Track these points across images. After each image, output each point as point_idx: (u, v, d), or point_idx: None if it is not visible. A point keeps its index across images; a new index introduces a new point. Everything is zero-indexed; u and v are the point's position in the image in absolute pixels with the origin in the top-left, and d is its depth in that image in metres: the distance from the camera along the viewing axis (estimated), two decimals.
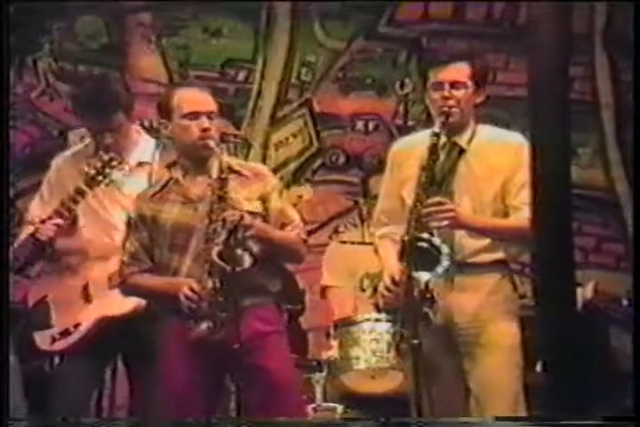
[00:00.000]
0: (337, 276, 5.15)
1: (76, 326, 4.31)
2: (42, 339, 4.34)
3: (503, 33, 6.10)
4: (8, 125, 3.75)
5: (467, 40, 6.08)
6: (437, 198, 3.82)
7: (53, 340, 4.33)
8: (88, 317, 4.31)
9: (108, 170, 4.21)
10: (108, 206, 4.35)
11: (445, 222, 3.81)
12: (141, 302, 4.17)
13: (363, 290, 5.08)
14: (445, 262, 3.74)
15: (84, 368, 4.29)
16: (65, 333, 4.32)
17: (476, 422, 3.58)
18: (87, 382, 4.32)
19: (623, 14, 5.91)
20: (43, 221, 4.28)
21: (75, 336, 4.30)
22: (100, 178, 4.21)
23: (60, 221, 4.25)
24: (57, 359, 4.52)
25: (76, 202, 4.25)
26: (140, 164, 4.35)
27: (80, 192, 4.24)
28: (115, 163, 4.20)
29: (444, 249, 3.75)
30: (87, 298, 4.35)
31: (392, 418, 3.48)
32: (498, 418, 3.50)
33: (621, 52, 5.94)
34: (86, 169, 4.22)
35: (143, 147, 4.41)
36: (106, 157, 4.20)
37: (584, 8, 5.98)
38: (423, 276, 3.75)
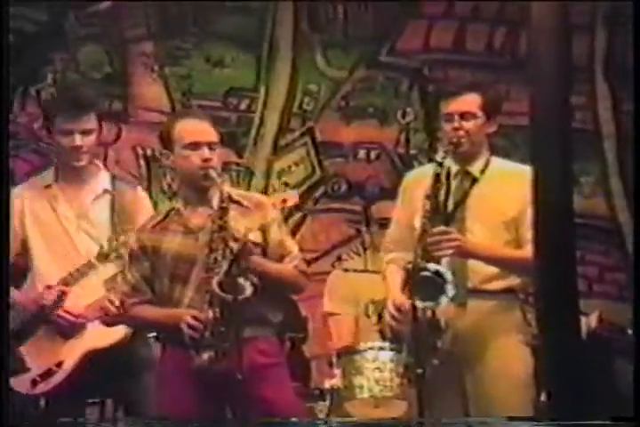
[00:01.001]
0: (338, 303, 5.15)
1: (59, 364, 4.18)
2: (20, 383, 4.16)
3: (504, 63, 6.13)
4: (8, 153, 3.74)
5: (468, 70, 6.11)
6: (442, 228, 3.82)
7: (34, 383, 4.18)
8: (71, 353, 4.18)
9: (119, 248, 4.16)
10: (73, 234, 4.27)
11: (450, 251, 3.81)
12: (128, 330, 4.14)
13: (368, 316, 5.07)
14: (450, 292, 3.74)
15: (74, 409, 4.20)
16: (46, 374, 4.18)
17: (480, 423, 3.56)
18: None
19: (623, 44, 5.94)
20: (49, 287, 4.21)
21: (59, 376, 4.16)
22: (113, 254, 4.17)
23: (65, 288, 4.19)
24: (42, 403, 4.29)
25: (84, 274, 4.21)
26: (105, 191, 4.31)
27: (91, 266, 4.20)
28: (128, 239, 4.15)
29: (449, 278, 3.75)
30: (66, 334, 4.21)
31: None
32: (500, 418, 3.49)
33: (622, 81, 5.96)
34: (102, 245, 4.19)
35: (104, 175, 4.37)
36: (122, 238, 4.17)
37: (584, 38, 6.01)
38: (428, 304, 3.75)
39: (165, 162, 3.97)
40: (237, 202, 3.91)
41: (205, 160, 3.84)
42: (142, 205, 4.32)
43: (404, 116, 6.16)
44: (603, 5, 6.01)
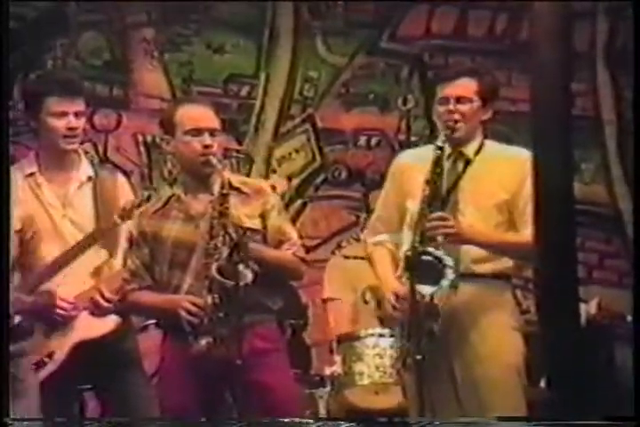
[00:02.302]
0: (337, 289, 5.15)
1: (50, 355, 4.12)
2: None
3: (505, 49, 6.11)
4: (8, 139, 3.71)
5: (469, 56, 6.10)
6: (440, 213, 3.83)
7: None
8: (62, 344, 4.12)
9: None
10: (58, 222, 4.21)
11: (447, 237, 3.82)
12: (118, 320, 4.11)
13: (365, 302, 5.07)
14: (450, 275, 3.74)
15: (64, 399, 4.17)
16: (38, 364, 4.12)
17: (477, 423, 3.57)
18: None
19: (625, 31, 5.93)
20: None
21: (50, 367, 4.11)
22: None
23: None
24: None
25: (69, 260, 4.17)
26: (89, 178, 4.27)
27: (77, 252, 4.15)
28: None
29: (449, 262, 3.75)
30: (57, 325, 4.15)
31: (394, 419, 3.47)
32: (499, 418, 3.50)
33: (623, 68, 5.95)
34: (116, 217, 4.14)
35: (86, 162, 4.33)
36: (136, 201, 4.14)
37: (586, 25, 6.00)
38: (428, 290, 3.75)
39: (166, 148, 3.97)
40: (237, 189, 3.91)
41: (206, 146, 3.84)
42: (124, 193, 4.30)
43: (404, 102, 6.15)
44: None
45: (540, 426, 2.89)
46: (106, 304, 4.06)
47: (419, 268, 3.76)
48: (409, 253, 3.79)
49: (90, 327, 4.12)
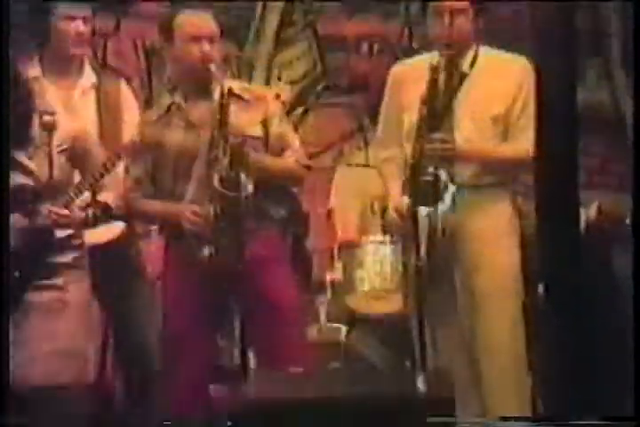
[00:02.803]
0: (343, 198, 5.15)
1: None
2: None
3: None
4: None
5: None
6: (439, 135, 3.83)
7: None
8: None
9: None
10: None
11: (446, 157, 3.83)
12: (122, 225, 4.14)
13: (373, 212, 5.09)
14: (449, 197, 3.77)
15: None
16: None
17: (479, 422, 3.61)
18: None
19: None
20: None
21: None
22: None
23: None
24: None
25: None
26: (93, 85, 4.26)
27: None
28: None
29: (448, 183, 3.78)
30: None
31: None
32: (502, 418, 3.54)
33: None
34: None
35: (89, 68, 4.32)
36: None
37: None
38: (427, 210, 3.78)
39: (165, 54, 3.94)
40: (238, 96, 3.88)
41: (205, 53, 3.80)
42: (127, 101, 4.27)
43: (407, 8, 6.07)
44: None
45: (541, 426, 2.91)
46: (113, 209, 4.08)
47: (419, 187, 3.77)
48: (410, 172, 3.81)
49: (99, 233, 4.13)
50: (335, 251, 4.86)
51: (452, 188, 3.79)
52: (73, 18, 4.14)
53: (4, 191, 3.62)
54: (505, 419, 3.46)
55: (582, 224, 4.54)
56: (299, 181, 4.07)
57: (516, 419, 3.42)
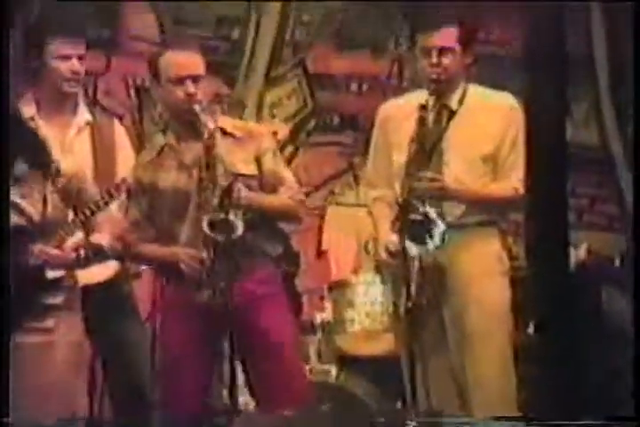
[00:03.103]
0: (337, 238, 5.15)
1: None
2: None
3: None
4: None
5: None
6: (429, 174, 3.83)
7: None
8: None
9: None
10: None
11: (436, 196, 3.84)
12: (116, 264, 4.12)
13: (367, 252, 5.09)
14: (439, 236, 3.77)
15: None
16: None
17: (474, 422, 3.60)
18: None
19: None
20: None
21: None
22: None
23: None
24: None
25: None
26: (87, 123, 4.25)
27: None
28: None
29: (438, 221, 3.77)
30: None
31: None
32: (496, 418, 3.52)
33: (616, 10, 5.90)
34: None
35: (84, 106, 4.31)
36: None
37: None
38: (417, 248, 3.78)
39: (154, 94, 3.95)
40: (230, 134, 3.88)
41: (190, 94, 3.80)
42: (121, 139, 4.27)
43: (396, 46, 6.10)
44: None
45: (540, 426, 2.90)
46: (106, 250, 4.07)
47: (409, 225, 3.77)
48: (399, 210, 3.81)
49: (92, 273, 4.09)
50: (325, 291, 4.85)
51: (441, 226, 3.78)
52: (68, 56, 4.14)
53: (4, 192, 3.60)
54: (500, 419, 3.45)
55: (572, 264, 4.55)
56: (296, 217, 4.06)
57: (513, 419, 3.42)
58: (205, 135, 3.75)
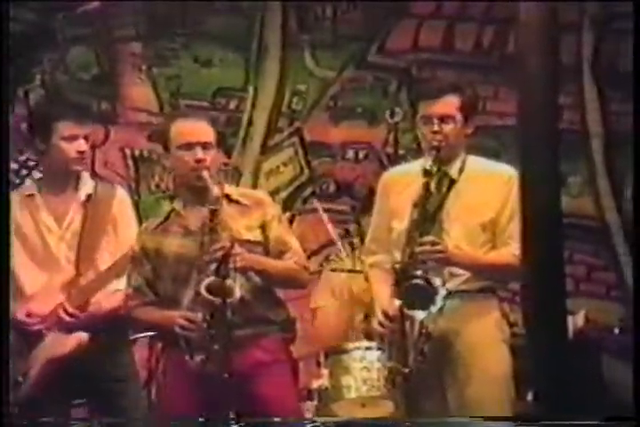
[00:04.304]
0: (325, 299, 5.13)
1: (25, 374, 4.10)
2: None
3: (492, 62, 6.13)
4: (8, 154, 3.69)
5: (456, 70, 6.10)
6: (431, 238, 3.84)
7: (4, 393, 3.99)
8: (34, 363, 4.10)
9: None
10: (53, 245, 4.20)
11: (437, 261, 3.84)
12: (83, 336, 4.10)
13: (355, 316, 5.08)
14: (440, 301, 3.76)
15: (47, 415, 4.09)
16: (15, 385, 4.08)
17: (471, 423, 3.58)
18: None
19: (611, 44, 5.95)
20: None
21: (25, 387, 4.09)
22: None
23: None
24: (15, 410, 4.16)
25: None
26: (88, 197, 4.25)
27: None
28: None
29: (440, 286, 3.77)
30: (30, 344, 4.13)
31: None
32: (486, 418, 3.51)
33: (610, 81, 5.97)
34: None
35: (87, 180, 4.31)
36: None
37: (572, 38, 6.02)
38: (418, 314, 3.77)
39: (164, 162, 3.99)
40: (236, 201, 3.92)
41: (198, 161, 3.85)
42: (125, 212, 4.29)
43: (392, 116, 6.16)
44: (590, 5, 6.02)
45: (540, 426, 2.89)
46: (69, 319, 4.07)
47: (409, 291, 3.77)
48: (399, 275, 3.81)
49: (57, 344, 4.10)
50: (321, 357, 4.83)
51: (442, 292, 3.78)
52: (75, 137, 4.17)
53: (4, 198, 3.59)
54: (498, 419, 3.41)
55: (570, 332, 4.54)
56: (301, 283, 4.08)
57: (511, 419, 3.37)
58: (211, 201, 3.78)
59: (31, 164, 4.14)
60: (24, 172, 4.19)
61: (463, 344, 3.91)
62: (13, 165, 4.25)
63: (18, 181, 4.21)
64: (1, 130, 3.67)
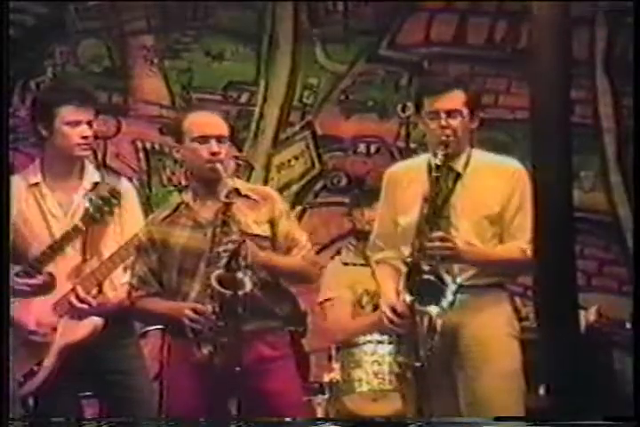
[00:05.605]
0: (334, 289, 5.12)
1: (39, 363, 4.10)
2: None
3: (504, 56, 6.12)
4: (8, 146, 3.69)
5: (468, 64, 6.10)
6: (441, 234, 3.84)
7: (20, 385, 4.07)
8: (48, 351, 4.09)
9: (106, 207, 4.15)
10: (57, 234, 4.18)
11: (447, 257, 3.83)
12: (97, 320, 4.11)
13: (362, 307, 5.07)
14: (450, 296, 3.76)
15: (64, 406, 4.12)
16: (29, 374, 4.09)
17: (476, 423, 3.58)
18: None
19: (624, 38, 5.93)
20: None
21: (41, 374, 4.09)
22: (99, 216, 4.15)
23: None
24: (31, 402, 4.21)
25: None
26: (95, 184, 4.26)
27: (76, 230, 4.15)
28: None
29: (449, 281, 3.77)
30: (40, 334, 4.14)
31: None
32: (498, 418, 3.51)
33: (622, 75, 5.96)
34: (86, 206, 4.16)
35: (92, 168, 4.32)
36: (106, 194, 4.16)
37: (585, 32, 6.01)
38: (428, 309, 3.77)
39: (176, 155, 3.98)
40: (246, 195, 3.92)
41: (213, 153, 3.85)
42: (130, 202, 4.30)
43: (403, 109, 6.16)
44: None
45: (541, 426, 2.89)
46: (81, 305, 4.07)
47: (419, 286, 3.77)
48: (409, 270, 3.81)
49: (71, 331, 4.11)
50: (333, 350, 4.83)
51: (452, 286, 3.78)
52: (78, 122, 4.17)
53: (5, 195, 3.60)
54: (501, 419, 3.41)
55: (582, 327, 4.53)
56: (310, 278, 4.09)
57: (512, 419, 3.38)
58: (225, 193, 3.79)
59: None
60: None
61: (473, 338, 3.91)
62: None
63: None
64: (1, 129, 3.66)
